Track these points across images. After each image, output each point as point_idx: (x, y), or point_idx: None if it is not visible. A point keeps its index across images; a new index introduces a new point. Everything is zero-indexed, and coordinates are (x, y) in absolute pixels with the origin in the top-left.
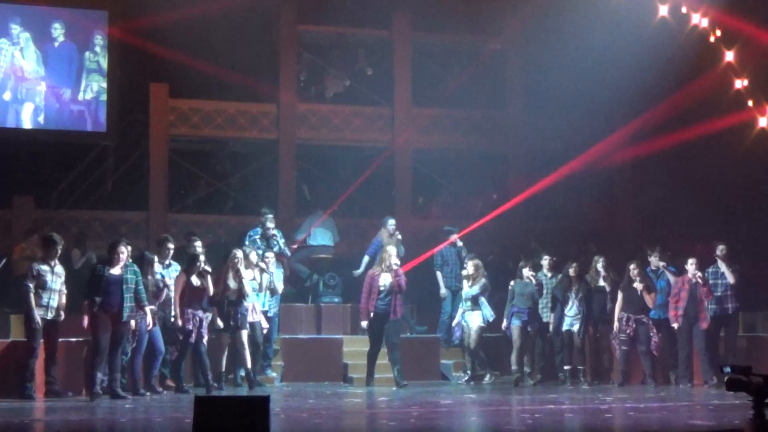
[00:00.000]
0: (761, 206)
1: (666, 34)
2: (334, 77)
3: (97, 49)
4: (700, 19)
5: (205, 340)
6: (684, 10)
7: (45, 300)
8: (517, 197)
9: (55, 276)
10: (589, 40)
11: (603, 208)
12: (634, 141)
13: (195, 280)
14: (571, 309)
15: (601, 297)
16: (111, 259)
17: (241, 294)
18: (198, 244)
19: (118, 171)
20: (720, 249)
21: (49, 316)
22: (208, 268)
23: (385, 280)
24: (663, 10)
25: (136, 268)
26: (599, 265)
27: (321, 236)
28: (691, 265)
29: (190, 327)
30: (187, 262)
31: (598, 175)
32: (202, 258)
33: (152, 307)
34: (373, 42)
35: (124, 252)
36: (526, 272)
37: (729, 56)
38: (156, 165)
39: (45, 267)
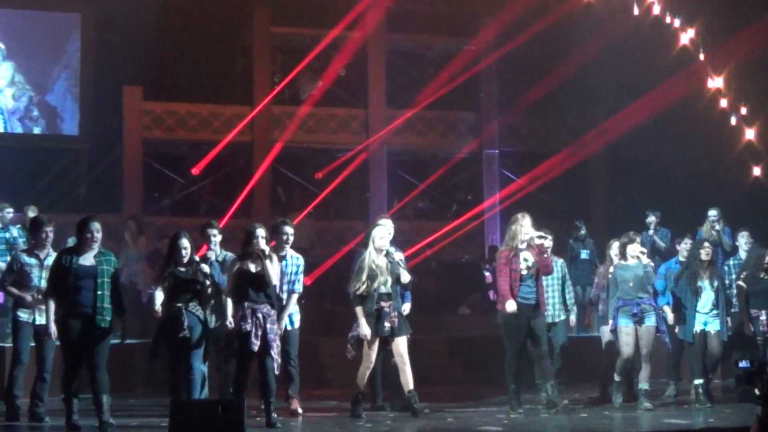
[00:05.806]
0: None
1: (640, 33)
2: (308, 79)
3: None
4: (673, 19)
5: (274, 351)
6: (657, 10)
7: (29, 299)
8: (491, 197)
9: (46, 271)
10: (562, 41)
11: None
12: (608, 138)
13: (252, 266)
14: (706, 304)
15: None
16: (81, 243)
17: (399, 284)
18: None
19: (92, 174)
20: (743, 236)
21: (38, 319)
22: (266, 248)
23: (525, 259)
24: (637, 11)
25: (112, 256)
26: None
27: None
28: None
29: (249, 327)
30: (242, 243)
31: (573, 174)
32: (261, 234)
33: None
34: (347, 43)
35: (98, 232)
36: (633, 249)
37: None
38: (130, 168)
39: (30, 259)
